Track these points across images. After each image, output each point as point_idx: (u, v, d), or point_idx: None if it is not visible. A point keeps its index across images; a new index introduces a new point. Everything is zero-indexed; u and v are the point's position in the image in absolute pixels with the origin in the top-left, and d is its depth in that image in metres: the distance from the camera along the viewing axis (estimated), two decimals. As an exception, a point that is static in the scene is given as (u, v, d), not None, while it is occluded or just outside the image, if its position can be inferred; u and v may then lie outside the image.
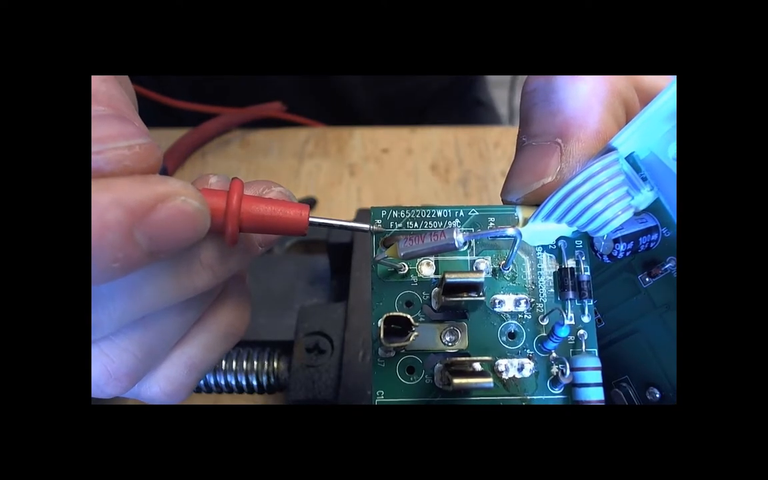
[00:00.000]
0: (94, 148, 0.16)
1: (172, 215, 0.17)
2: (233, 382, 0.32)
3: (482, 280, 0.19)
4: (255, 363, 0.33)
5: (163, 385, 0.22)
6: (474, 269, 0.22)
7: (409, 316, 0.19)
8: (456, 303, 0.20)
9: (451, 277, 0.19)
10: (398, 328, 0.20)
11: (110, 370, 0.20)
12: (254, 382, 0.32)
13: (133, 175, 0.17)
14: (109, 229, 0.16)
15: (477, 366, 0.19)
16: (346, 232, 0.39)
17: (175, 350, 0.23)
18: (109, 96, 0.18)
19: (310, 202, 0.53)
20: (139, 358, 0.20)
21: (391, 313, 0.20)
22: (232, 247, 0.20)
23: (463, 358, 0.20)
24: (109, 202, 0.16)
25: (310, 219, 0.20)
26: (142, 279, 0.19)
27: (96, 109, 0.18)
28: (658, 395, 0.23)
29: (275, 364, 0.33)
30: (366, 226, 0.21)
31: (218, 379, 0.32)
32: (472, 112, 0.76)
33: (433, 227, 0.22)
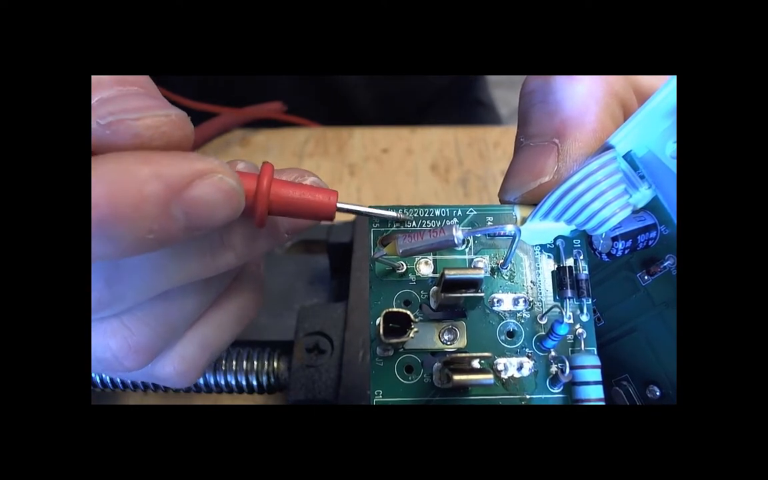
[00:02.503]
0: (131, 116, 0.17)
1: (209, 192, 0.17)
2: (233, 382, 0.32)
3: (482, 276, 0.19)
4: (255, 363, 0.33)
5: (177, 363, 0.23)
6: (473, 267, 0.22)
7: (408, 312, 0.19)
8: (455, 300, 0.20)
9: (451, 274, 0.19)
10: (396, 327, 0.19)
11: (130, 343, 0.20)
12: (254, 382, 0.32)
13: (171, 151, 0.17)
14: (147, 200, 0.16)
15: (476, 363, 0.19)
16: (346, 232, 0.39)
17: (190, 329, 0.23)
18: (138, 80, 0.19)
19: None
20: (159, 333, 0.21)
21: (390, 310, 0.20)
22: (260, 228, 0.20)
23: (463, 355, 0.20)
24: (149, 175, 0.16)
25: (338, 204, 0.20)
26: (168, 255, 0.19)
27: (129, 88, 0.18)
28: (658, 393, 0.23)
29: (275, 364, 0.33)
30: (392, 213, 0.21)
31: (218, 379, 0.32)
32: (472, 112, 0.76)
33: (431, 227, 0.22)
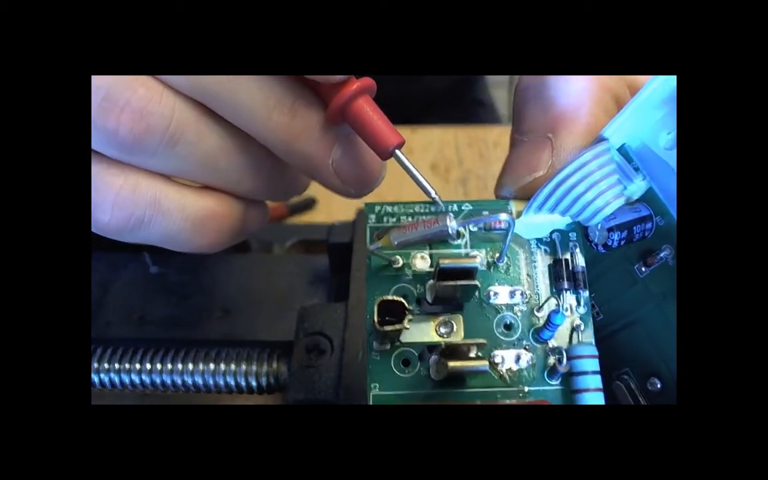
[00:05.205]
0: None
1: None
2: (233, 383, 0.32)
3: (476, 265, 0.19)
4: (255, 363, 0.33)
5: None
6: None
7: (402, 300, 0.19)
8: (451, 289, 0.20)
9: (446, 262, 0.19)
10: (393, 320, 0.20)
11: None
12: (254, 383, 0.32)
13: None
14: None
15: (472, 353, 0.19)
16: (346, 231, 0.39)
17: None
18: None
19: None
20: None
21: (384, 298, 0.20)
22: (328, 121, 0.21)
23: (458, 342, 0.20)
24: None
25: (397, 151, 0.21)
26: None
27: None
28: (659, 385, 0.23)
29: (275, 365, 0.33)
30: (431, 190, 0.22)
31: (218, 379, 0.32)
32: (472, 112, 0.77)
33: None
